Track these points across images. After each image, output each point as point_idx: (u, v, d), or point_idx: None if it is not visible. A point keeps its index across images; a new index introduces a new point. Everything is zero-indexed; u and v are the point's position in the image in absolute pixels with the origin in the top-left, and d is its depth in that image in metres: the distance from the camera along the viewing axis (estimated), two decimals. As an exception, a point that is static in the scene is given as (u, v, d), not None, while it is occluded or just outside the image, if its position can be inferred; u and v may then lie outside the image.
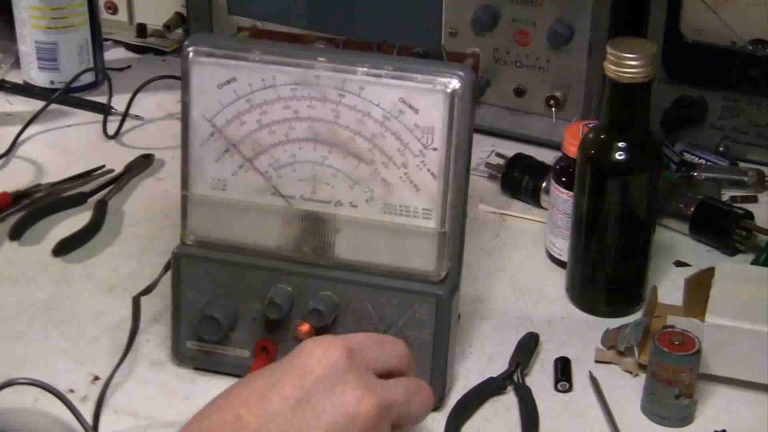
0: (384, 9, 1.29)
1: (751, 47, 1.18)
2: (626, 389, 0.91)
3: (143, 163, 1.23)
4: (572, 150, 1.01)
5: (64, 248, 1.08)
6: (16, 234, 1.11)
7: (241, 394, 0.68)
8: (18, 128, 1.28)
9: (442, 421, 0.88)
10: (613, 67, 0.93)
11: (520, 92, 1.26)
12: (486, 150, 1.23)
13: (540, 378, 0.93)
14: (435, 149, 0.83)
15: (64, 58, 1.37)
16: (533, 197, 1.16)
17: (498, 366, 0.93)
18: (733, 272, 0.97)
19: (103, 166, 1.22)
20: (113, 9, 1.50)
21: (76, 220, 1.13)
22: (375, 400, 0.68)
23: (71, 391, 0.90)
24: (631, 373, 0.93)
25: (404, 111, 0.83)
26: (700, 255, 1.09)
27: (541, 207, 1.15)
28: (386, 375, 0.72)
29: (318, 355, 0.69)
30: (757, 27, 1.18)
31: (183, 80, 0.87)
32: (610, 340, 0.95)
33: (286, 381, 0.68)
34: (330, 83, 0.84)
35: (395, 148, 0.84)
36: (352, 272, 0.87)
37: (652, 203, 0.98)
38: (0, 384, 0.86)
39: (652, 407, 0.88)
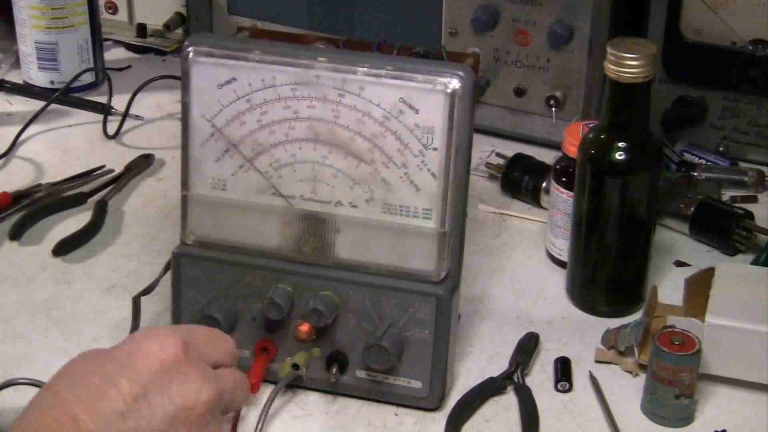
0: (384, 9, 1.29)
1: (751, 47, 1.18)
2: (626, 389, 0.91)
3: (143, 163, 1.23)
4: (572, 150, 1.01)
5: (64, 248, 1.08)
6: (16, 234, 1.11)
7: (73, 390, 0.65)
8: (18, 128, 1.28)
9: (442, 421, 0.88)
10: (613, 67, 0.93)
11: (520, 92, 1.26)
12: (486, 150, 1.23)
13: (540, 378, 0.93)
14: (435, 149, 0.83)
15: (64, 58, 1.37)
16: (533, 197, 1.16)
17: (498, 366, 0.93)
18: (733, 272, 0.97)
19: (103, 166, 1.22)
20: (113, 9, 1.50)
21: (76, 220, 1.13)
22: (212, 390, 0.70)
23: (71, 391, 0.90)
24: (631, 373, 0.93)
25: (404, 111, 0.83)
26: (700, 255, 1.09)
27: (541, 207, 1.15)
28: (215, 367, 0.73)
29: (154, 349, 0.68)
30: (757, 27, 1.18)
31: (183, 80, 0.87)
32: (610, 340, 0.95)
33: (123, 377, 0.66)
34: (330, 83, 0.84)
35: (395, 148, 0.84)
36: (352, 272, 0.87)
37: (652, 203, 0.98)
38: (0, 384, 0.86)
39: (652, 407, 0.88)
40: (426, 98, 0.83)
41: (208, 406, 0.69)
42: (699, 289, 0.96)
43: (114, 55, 1.48)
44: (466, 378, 0.92)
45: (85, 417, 0.64)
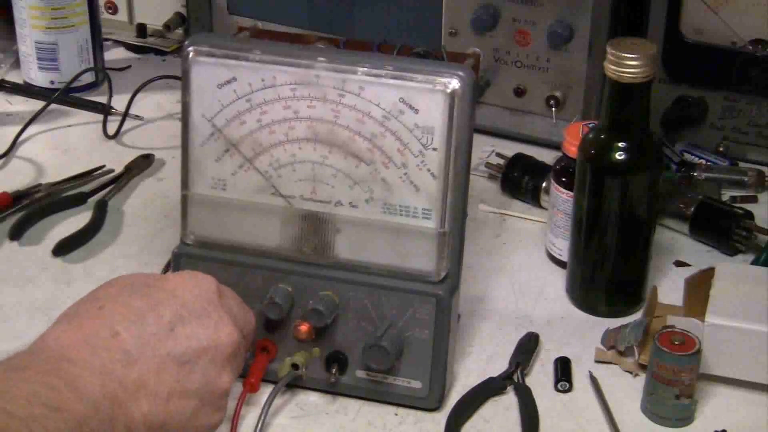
0: (384, 9, 1.29)
1: (751, 47, 1.18)
2: (626, 389, 0.91)
3: (143, 163, 1.23)
4: (572, 150, 1.01)
5: (64, 248, 1.08)
6: (16, 234, 1.11)
7: (117, 310, 0.70)
8: (18, 128, 1.28)
9: (442, 421, 0.88)
10: (613, 67, 0.93)
11: (520, 92, 1.26)
12: (486, 150, 1.23)
13: (540, 378, 0.93)
14: (435, 149, 0.83)
15: (64, 58, 1.37)
16: (533, 197, 1.16)
17: (498, 366, 0.93)
18: (733, 272, 0.97)
19: (103, 166, 1.22)
20: (113, 9, 1.50)
21: (76, 220, 1.13)
22: (239, 335, 0.75)
23: (71, 391, 0.90)
24: (631, 373, 0.93)
25: (404, 111, 0.83)
26: (700, 255, 1.09)
27: (541, 207, 1.15)
28: None
29: (195, 288, 0.74)
30: (757, 27, 1.18)
31: (183, 80, 0.87)
32: (610, 340, 0.95)
33: (164, 306, 0.72)
34: (330, 83, 0.84)
35: (395, 148, 0.84)
36: (352, 272, 0.87)
37: (652, 203, 0.98)
38: (0, 384, 0.85)
39: (652, 407, 0.88)
40: (426, 98, 0.83)
41: (233, 347, 0.74)
42: (699, 289, 0.96)
43: (114, 55, 1.48)
44: (466, 378, 0.92)
45: (126, 335, 0.69)
